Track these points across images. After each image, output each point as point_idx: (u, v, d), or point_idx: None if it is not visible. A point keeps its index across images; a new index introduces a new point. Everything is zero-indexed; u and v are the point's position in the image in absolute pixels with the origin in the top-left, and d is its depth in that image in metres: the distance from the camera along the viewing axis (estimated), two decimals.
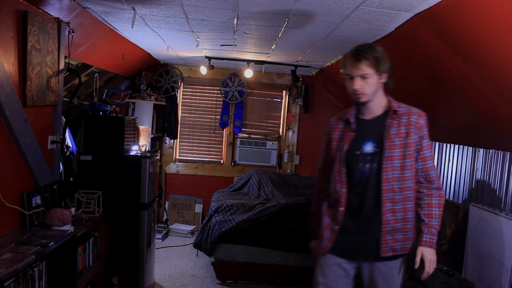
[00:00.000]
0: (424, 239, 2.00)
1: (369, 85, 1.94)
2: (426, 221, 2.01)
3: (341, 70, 2.02)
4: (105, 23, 3.22)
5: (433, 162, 2.04)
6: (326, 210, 2.17)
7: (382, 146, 1.98)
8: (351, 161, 2.03)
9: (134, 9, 2.78)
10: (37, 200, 2.54)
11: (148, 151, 3.81)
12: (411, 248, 2.07)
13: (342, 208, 2.05)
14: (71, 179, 3.48)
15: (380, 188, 1.97)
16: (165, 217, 5.73)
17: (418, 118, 2.01)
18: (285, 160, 6.00)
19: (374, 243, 2.02)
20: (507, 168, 2.82)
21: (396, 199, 1.98)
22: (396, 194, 1.98)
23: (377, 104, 2.03)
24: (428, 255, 1.99)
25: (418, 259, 2.00)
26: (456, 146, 3.44)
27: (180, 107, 5.94)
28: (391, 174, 1.97)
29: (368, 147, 2.01)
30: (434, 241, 2.00)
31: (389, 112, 2.02)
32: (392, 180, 1.97)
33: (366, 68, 1.91)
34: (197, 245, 4.27)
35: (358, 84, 1.94)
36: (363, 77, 1.93)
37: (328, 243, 2.11)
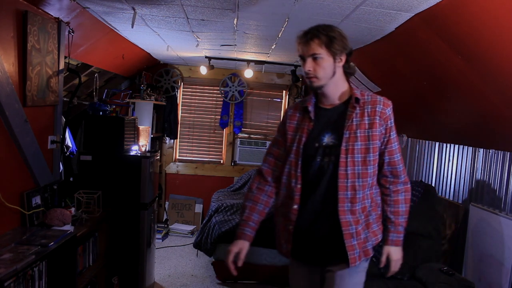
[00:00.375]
0: (390, 238, 1.87)
1: (322, 68, 1.74)
2: (393, 219, 1.87)
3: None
4: (105, 23, 3.22)
5: (401, 155, 1.87)
6: (277, 209, 1.97)
7: (341, 138, 1.78)
8: (308, 154, 1.82)
9: (134, 9, 2.78)
10: (37, 200, 2.54)
11: (148, 151, 3.81)
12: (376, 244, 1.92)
13: (295, 206, 1.83)
14: (71, 179, 3.48)
15: (337, 185, 1.77)
16: (165, 217, 5.73)
17: (385, 108, 1.81)
18: None
19: (336, 248, 1.81)
20: (507, 168, 2.82)
21: (357, 198, 1.78)
22: (358, 193, 1.78)
23: (335, 91, 1.82)
24: (394, 255, 1.87)
25: (384, 259, 1.88)
26: (456, 146, 3.44)
27: (180, 107, 5.94)
28: (351, 170, 1.76)
29: (328, 139, 1.80)
30: (401, 239, 1.88)
31: (350, 100, 1.82)
32: (352, 177, 1.77)
33: (316, 48, 1.72)
34: (197, 245, 4.27)
35: (309, 65, 1.75)
36: (315, 58, 1.73)
37: (288, 245, 1.89)
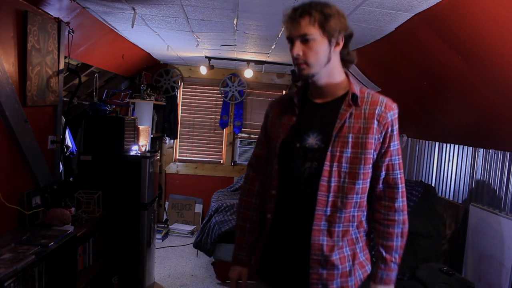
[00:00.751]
0: (379, 275, 1.52)
1: (314, 52, 1.40)
2: (384, 255, 1.51)
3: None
4: (105, 23, 3.22)
5: (402, 172, 1.51)
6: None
7: (329, 141, 1.45)
8: (286, 155, 1.51)
9: (134, 9, 2.78)
10: (37, 200, 2.54)
11: (148, 151, 3.81)
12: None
13: (269, 216, 1.56)
14: (71, 179, 3.48)
15: (316, 198, 1.45)
16: (165, 217, 5.73)
17: (386, 111, 1.47)
18: None
19: (302, 274, 1.49)
20: (507, 168, 2.82)
21: (337, 218, 1.45)
22: (339, 211, 1.45)
23: (329, 82, 1.49)
24: None
25: None
26: (456, 146, 3.44)
27: (180, 107, 5.94)
28: (335, 182, 1.44)
29: (312, 140, 1.48)
30: (392, 277, 1.53)
31: (346, 96, 1.49)
32: (335, 190, 1.44)
33: (307, 27, 1.38)
34: (197, 245, 4.27)
35: (297, 49, 1.41)
36: (305, 40, 1.40)
37: (255, 261, 1.63)
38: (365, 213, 1.54)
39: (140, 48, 4.39)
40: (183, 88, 5.94)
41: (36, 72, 2.52)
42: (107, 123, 3.45)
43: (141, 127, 4.20)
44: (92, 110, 3.49)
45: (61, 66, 2.86)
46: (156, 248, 4.34)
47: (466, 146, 3.30)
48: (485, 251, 2.92)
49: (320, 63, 1.43)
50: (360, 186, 1.46)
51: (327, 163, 1.44)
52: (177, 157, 6.01)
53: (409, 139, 4.26)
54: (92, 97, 4.12)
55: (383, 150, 1.48)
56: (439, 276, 2.78)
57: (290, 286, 1.55)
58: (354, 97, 1.47)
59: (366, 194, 1.50)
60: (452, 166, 3.49)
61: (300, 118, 1.53)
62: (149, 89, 5.30)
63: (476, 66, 2.39)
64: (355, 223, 1.49)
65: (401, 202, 1.51)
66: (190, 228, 5.55)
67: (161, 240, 5.15)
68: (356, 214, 1.48)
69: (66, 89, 3.69)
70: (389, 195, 1.51)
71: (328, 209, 1.45)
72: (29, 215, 2.43)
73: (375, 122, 1.45)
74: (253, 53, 4.43)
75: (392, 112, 1.48)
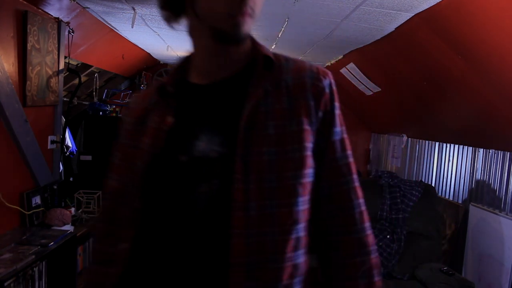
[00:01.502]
0: None
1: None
2: None
3: None
4: (105, 23, 3.22)
5: (356, 179, 0.90)
6: None
7: (236, 140, 0.80)
8: (162, 180, 0.85)
9: (134, 9, 2.78)
10: (37, 200, 2.54)
11: None
12: None
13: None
14: (71, 179, 3.48)
15: (227, 242, 0.78)
16: None
17: (321, 78, 0.87)
18: None
19: None
20: (507, 168, 2.82)
21: (271, 271, 0.79)
22: (272, 260, 0.79)
23: (239, 47, 0.89)
24: None
25: None
26: (456, 146, 3.44)
27: None
28: (257, 208, 0.79)
29: (206, 145, 0.82)
30: None
31: (256, 65, 0.88)
32: (259, 223, 0.79)
33: None
34: None
35: None
36: None
37: None
38: (304, 257, 0.87)
39: (140, 48, 4.39)
40: None
41: (36, 72, 2.52)
42: (107, 123, 3.45)
43: None
44: (92, 110, 3.49)
45: (61, 66, 2.86)
46: None
47: (466, 146, 3.30)
48: (485, 251, 2.92)
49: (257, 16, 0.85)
50: (301, 208, 0.82)
51: (238, 176, 0.79)
52: None
53: (409, 139, 4.26)
54: (92, 97, 4.12)
55: (321, 144, 0.86)
56: (439, 276, 2.78)
57: None
58: (268, 62, 0.88)
59: (306, 223, 0.85)
60: (452, 166, 3.49)
61: (180, 114, 0.88)
62: None
63: (475, 66, 2.39)
64: (303, 278, 0.84)
65: (362, 231, 0.87)
66: None
67: None
68: (301, 261, 0.83)
69: (66, 89, 3.69)
70: (340, 222, 0.88)
71: (253, 258, 0.78)
72: (29, 215, 2.43)
73: (308, 96, 0.85)
74: None
75: (328, 79, 0.88)
